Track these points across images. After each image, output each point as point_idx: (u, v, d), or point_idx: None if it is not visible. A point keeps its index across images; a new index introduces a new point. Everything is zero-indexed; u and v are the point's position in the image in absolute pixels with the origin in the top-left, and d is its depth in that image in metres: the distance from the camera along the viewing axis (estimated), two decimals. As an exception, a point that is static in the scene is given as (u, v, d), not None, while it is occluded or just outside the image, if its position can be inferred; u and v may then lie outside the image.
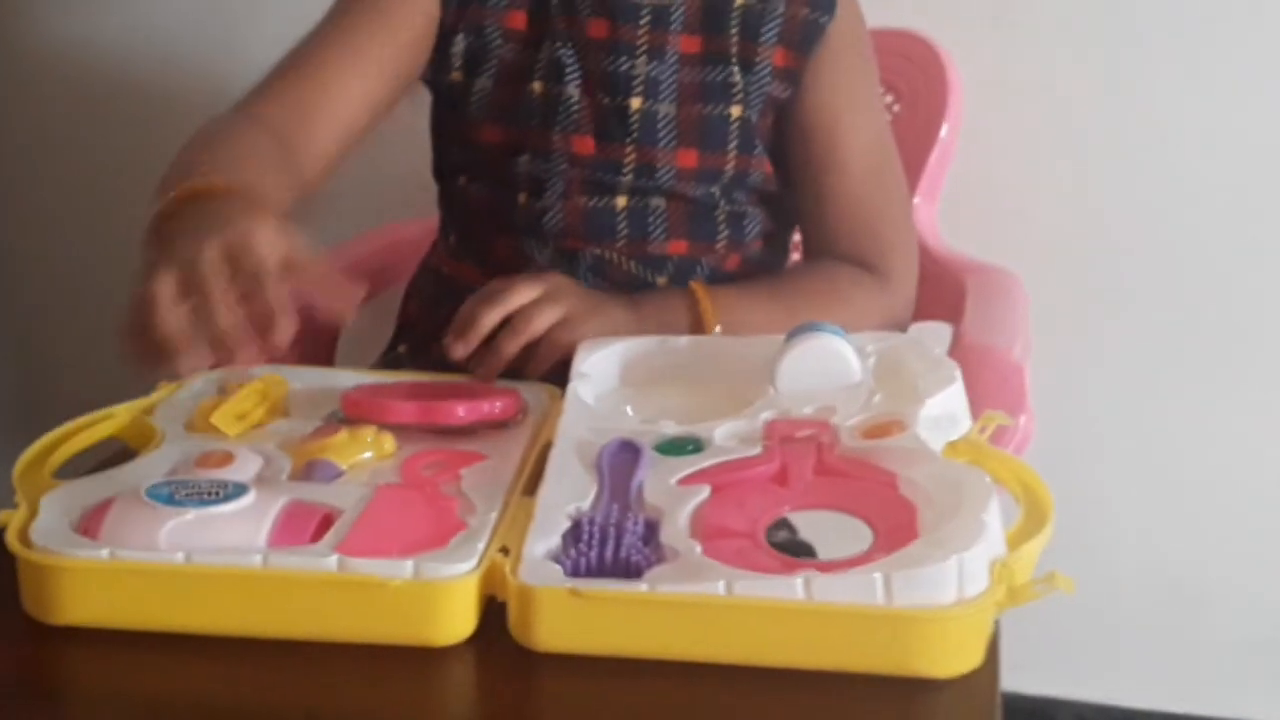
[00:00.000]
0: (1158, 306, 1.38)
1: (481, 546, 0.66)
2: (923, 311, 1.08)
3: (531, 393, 0.87)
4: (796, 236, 1.11)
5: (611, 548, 0.66)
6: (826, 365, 0.80)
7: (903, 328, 1.04)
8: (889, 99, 1.26)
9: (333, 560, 0.64)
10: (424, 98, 1.09)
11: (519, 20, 1.02)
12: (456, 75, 1.04)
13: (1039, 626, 1.42)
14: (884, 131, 1.09)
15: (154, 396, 0.85)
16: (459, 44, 1.03)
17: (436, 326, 1.01)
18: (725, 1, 1.01)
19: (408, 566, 0.64)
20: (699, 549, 0.66)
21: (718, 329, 0.95)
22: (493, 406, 0.82)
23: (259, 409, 0.83)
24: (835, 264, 1.05)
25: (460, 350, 0.86)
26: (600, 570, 0.65)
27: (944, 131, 1.24)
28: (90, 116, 1.58)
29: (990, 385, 0.96)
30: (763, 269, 1.07)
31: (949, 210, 1.27)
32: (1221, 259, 1.36)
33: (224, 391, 0.84)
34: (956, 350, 0.98)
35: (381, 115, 1.03)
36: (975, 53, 1.29)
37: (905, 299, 1.05)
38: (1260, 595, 1.43)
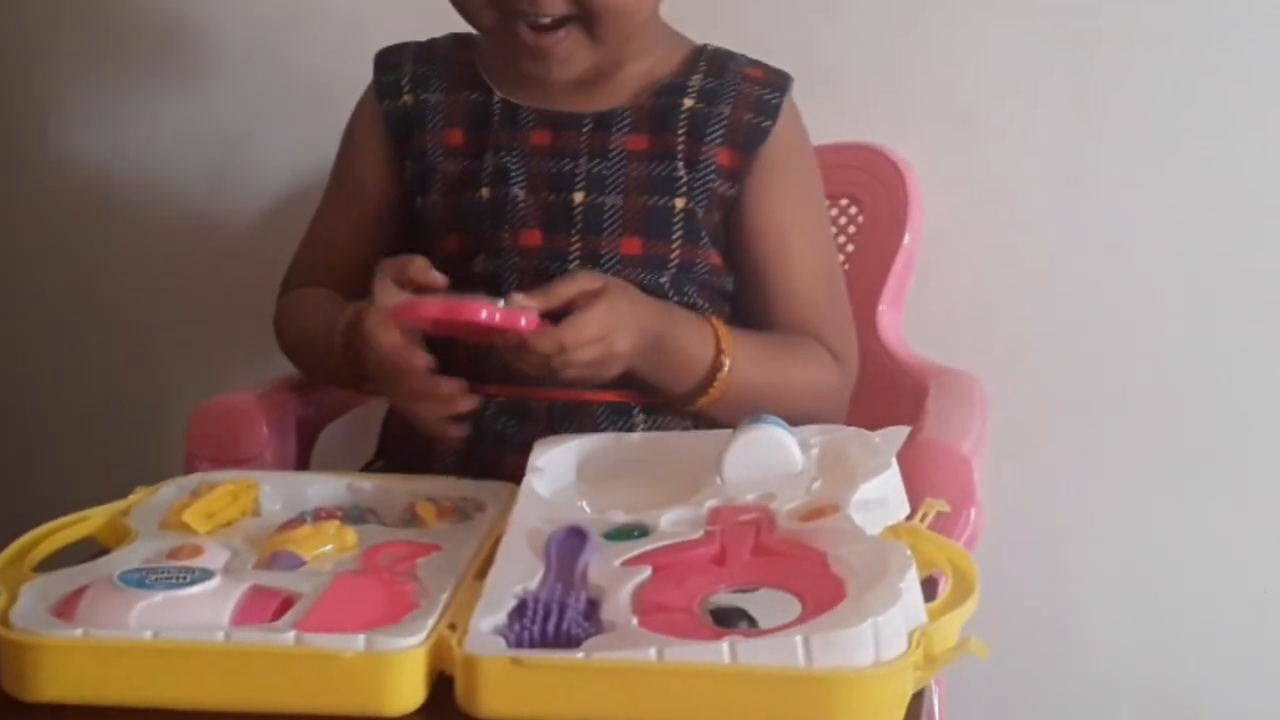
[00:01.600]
0: (1130, 412, 1.46)
1: (431, 622, 0.75)
2: (887, 415, 1.17)
3: (490, 492, 0.96)
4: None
5: (554, 622, 0.75)
6: (770, 456, 0.90)
7: (845, 406, 1.16)
8: (852, 210, 1.37)
9: (290, 635, 0.73)
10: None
11: (456, 137, 1.14)
12: (416, 199, 1.16)
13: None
14: (827, 234, 1.21)
15: (130, 499, 0.95)
16: (408, 170, 1.16)
17: (406, 431, 1.14)
18: (674, 106, 1.13)
19: (360, 640, 0.72)
20: (635, 621, 0.74)
21: (728, 362, 1.07)
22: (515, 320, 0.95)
23: (230, 509, 0.93)
24: (805, 337, 1.15)
25: (525, 301, 0.98)
26: (542, 642, 0.74)
27: (906, 239, 1.34)
28: (78, 232, 1.71)
29: (938, 478, 1.05)
30: None
31: (915, 315, 1.37)
32: (1194, 363, 1.44)
33: (196, 494, 0.94)
34: (909, 446, 1.07)
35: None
36: (939, 160, 1.40)
37: (852, 380, 1.17)
38: (1251, 710, 1.50)
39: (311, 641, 0.73)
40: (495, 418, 1.08)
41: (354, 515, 0.95)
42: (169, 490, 0.96)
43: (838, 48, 1.42)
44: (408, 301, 0.99)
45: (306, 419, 1.29)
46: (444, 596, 0.78)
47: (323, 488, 0.98)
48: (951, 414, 1.18)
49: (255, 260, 1.61)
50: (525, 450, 0.97)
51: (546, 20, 1.04)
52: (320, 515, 0.94)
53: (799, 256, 1.15)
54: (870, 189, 1.35)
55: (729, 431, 0.92)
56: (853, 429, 0.96)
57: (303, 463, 1.27)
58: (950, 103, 1.44)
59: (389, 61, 1.19)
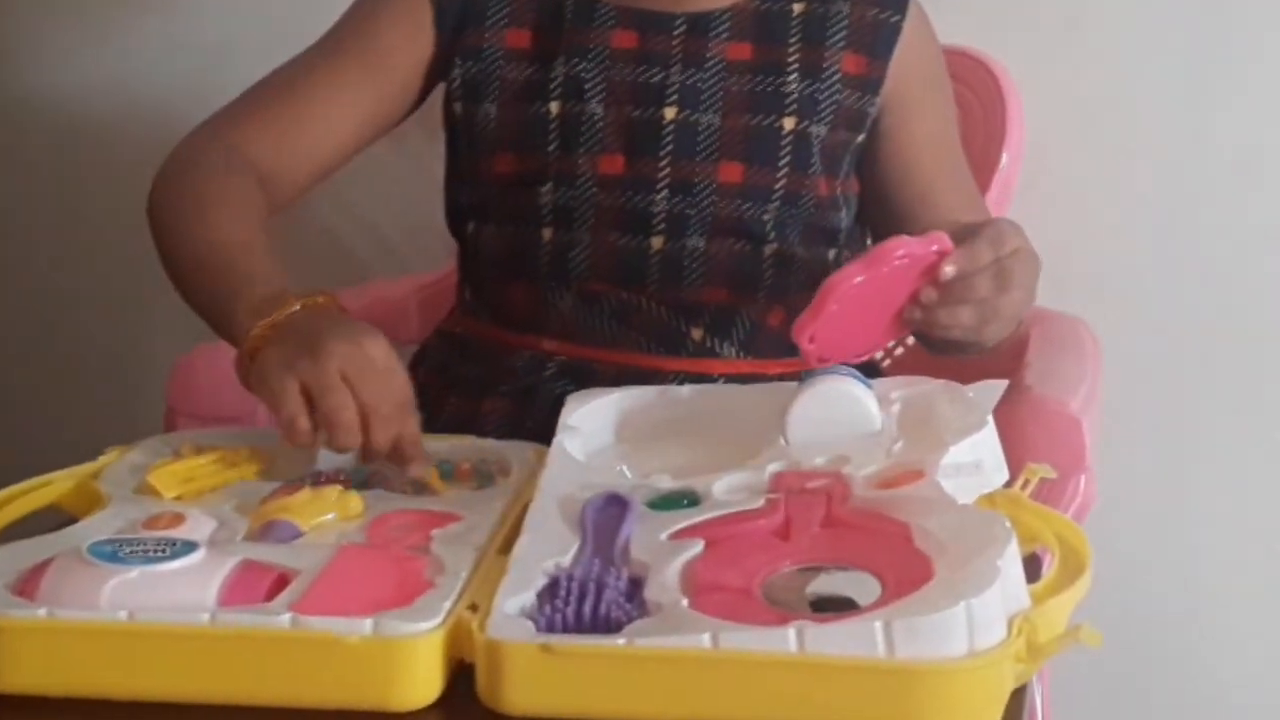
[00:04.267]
0: (1266, 364, 1.46)
1: (448, 604, 0.76)
2: (981, 365, 1.17)
3: (515, 451, 0.98)
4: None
5: (590, 603, 0.75)
6: (842, 412, 0.91)
7: None
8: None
9: (286, 618, 0.73)
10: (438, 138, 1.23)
11: (522, 39, 1.15)
12: (458, 106, 1.17)
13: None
14: (959, 142, 1.22)
15: (100, 461, 0.97)
16: (456, 72, 1.16)
17: (446, 387, 1.16)
18: (783, 13, 1.14)
19: (366, 624, 0.73)
20: (685, 603, 0.74)
21: None
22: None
23: (217, 475, 0.94)
24: None
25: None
26: (577, 627, 0.74)
27: (1004, 161, 1.36)
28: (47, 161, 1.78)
29: (1043, 439, 1.07)
30: None
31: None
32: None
33: (179, 455, 0.96)
34: (1008, 402, 1.07)
35: (356, 153, 1.18)
36: (1041, 72, 1.41)
37: None
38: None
39: (311, 625, 0.73)
40: (554, 379, 1.11)
41: (359, 479, 0.97)
42: (145, 450, 0.98)
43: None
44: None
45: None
46: (464, 573, 0.79)
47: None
48: (1058, 365, 1.20)
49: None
50: None
51: None
52: (320, 480, 0.95)
53: (948, 183, 1.17)
54: (964, 102, 1.36)
55: (794, 384, 0.92)
56: (941, 382, 0.97)
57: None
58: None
59: None
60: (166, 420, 1.23)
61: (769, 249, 1.12)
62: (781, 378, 1.09)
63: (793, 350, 1.10)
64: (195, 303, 1.05)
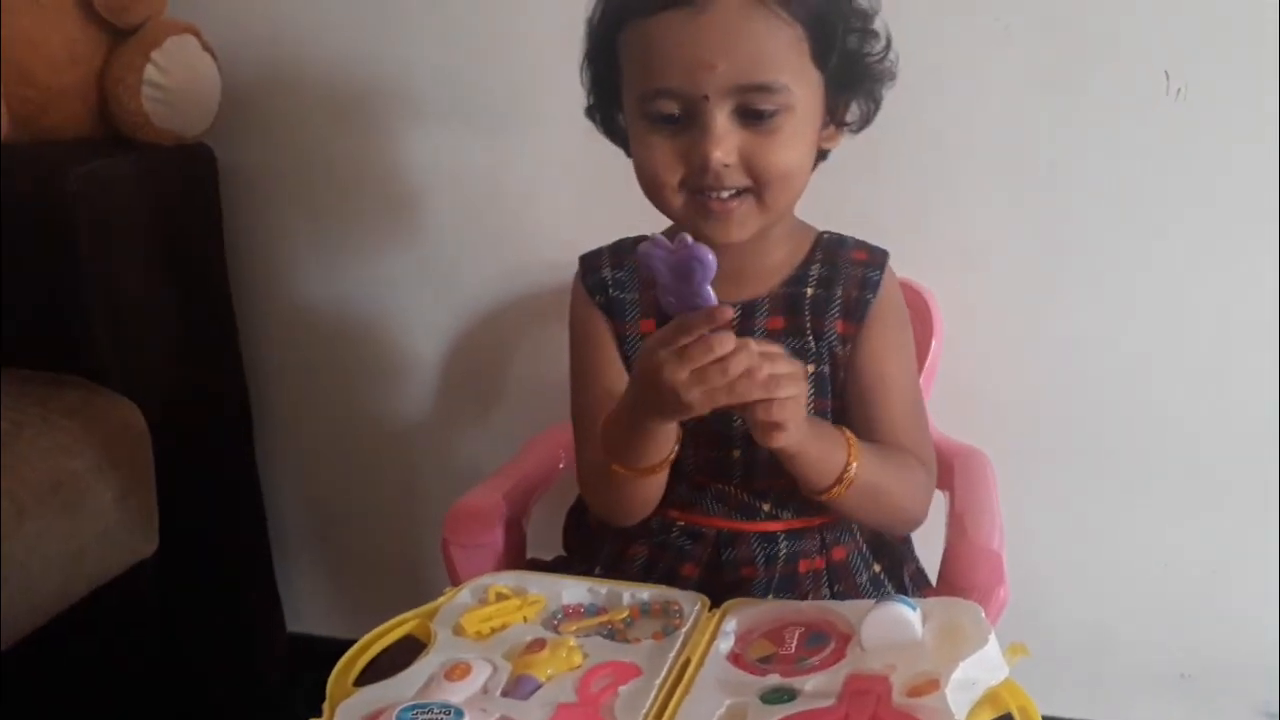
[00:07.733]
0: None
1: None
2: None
3: (689, 601, 1.29)
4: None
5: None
6: (896, 627, 1.16)
7: (930, 500, 1.49)
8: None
9: (499, 792, 1.06)
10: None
11: (649, 325, 1.48)
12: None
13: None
14: (913, 367, 1.51)
15: (438, 602, 1.32)
16: (620, 348, 1.50)
17: (606, 531, 1.53)
18: (799, 294, 1.45)
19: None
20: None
21: (854, 466, 1.34)
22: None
23: (506, 616, 1.28)
24: (901, 449, 1.46)
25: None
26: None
27: (933, 348, 1.80)
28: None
29: (982, 572, 1.44)
30: None
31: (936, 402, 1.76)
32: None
33: (484, 601, 1.31)
34: (953, 539, 1.49)
35: None
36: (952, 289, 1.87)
37: (934, 480, 1.50)
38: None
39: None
40: (677, 537, 1.47)
41: (591, 611, 1.32)
42: (465, 595, 1.34)
43: (883, 208, 1.86)
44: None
45: (516, 513, 1.68)
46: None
47: (573, 590, 1.35)
48: (978, 502, 1.60)
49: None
50: (698, 562, 1.44)
51: (728, 194, 1.34)
52: (568, 611, 1.31)
53: (893, 386, 1.46)
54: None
55: (870, 603, 1.18)
56: (967, 603, 1.19)
57: (516, 542, 1.67)
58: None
59: (590, 266, 1.53)
60: (443, 547, 1.59)
61: None
62: (822, 528, 1.46)
63: (826, 511, 1.45)
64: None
